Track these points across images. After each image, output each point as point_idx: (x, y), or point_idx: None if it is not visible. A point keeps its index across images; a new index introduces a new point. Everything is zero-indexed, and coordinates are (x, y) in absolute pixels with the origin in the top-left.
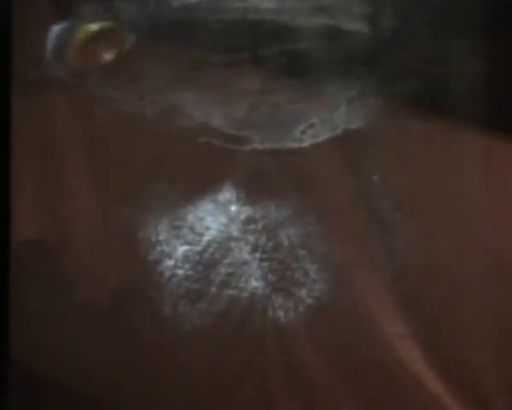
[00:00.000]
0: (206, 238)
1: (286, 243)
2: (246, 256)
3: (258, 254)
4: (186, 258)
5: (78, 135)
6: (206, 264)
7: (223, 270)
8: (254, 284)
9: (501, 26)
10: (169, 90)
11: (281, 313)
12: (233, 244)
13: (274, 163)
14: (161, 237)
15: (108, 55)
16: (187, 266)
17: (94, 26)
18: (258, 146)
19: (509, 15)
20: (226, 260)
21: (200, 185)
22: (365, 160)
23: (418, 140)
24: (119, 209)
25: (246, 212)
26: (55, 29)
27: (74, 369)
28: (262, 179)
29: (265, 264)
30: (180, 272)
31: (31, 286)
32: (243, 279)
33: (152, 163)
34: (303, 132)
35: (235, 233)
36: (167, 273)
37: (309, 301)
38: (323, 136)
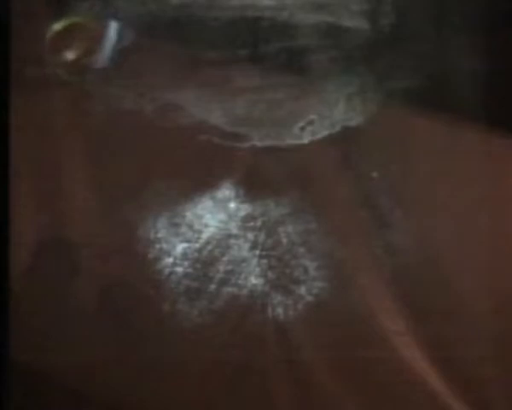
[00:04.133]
0: (205, 236)
1: (285, 240)
2: (245, 254)
3: (257, 252)
4: (185, 255)
5: (77, 132)
6: (205, 261)
7: (222, 267)
8: (254, 281)
9: (501, 22)
10: (168, 88)
11: (280, 311)
12: (232, 241)
13: (273, 160)
14: (160, 235)
15: (73, 53)
16: (186, 263)
17: (58, 25)
18: (257, 143)
19: (509, 12)
20: (225, 258)
21: (199, 182)
22: (364, 157)
23: (418, 137)
24: (118, 207)
25: (245, 209)
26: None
27: (74, 368)
28: (261, 176)
29: (265, 261)
30: (179, 269)
31: (30, 286)
32: (242, 277)
33: (151, 160)
34: (302, 129)
35: (235, 230)
36: (166, 271)
37: (308, 298)
38: (322, 133)
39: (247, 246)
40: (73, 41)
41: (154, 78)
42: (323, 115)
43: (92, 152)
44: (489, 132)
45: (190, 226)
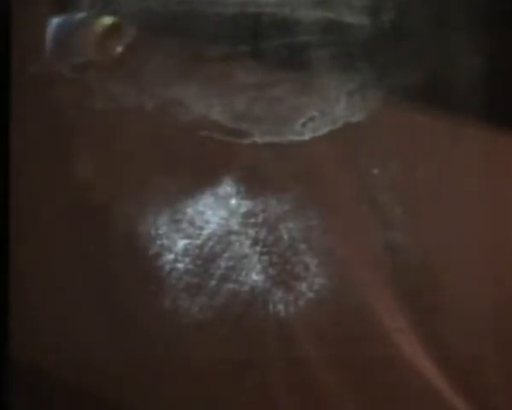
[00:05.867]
0: (206, 232)
1: (286, 236)
2: (246, 250)
3: (258, 248)
4: (186, 252)
5: (78, 129)
6: (206, 258)
7: (223, 264)
8: (254, 277)
9: (502, 19)
10: (169, 84)
11: (281, 307)
12: (233, 238)
13: (274, 156)
14: (161, 231)
15: (119, 49)
16: (187, 259)
17: (108, 20)
18: (258, 139)
19: (509, 9)
20: (226, 254)
21: (200, 179)
22: (365, 153)
23: (418, 134)
24: (119, 203)
25: (246, 205)
26: (57, 22)
27: (73, 366)
28: (262, 173)
29: (266, 258)
30: (180, 265)
31: (31, 285)
32: (243, 273)
33: (152, 157)
34: (303, 125)
35: (235, 227)
36: (167, 267)
37: (309, 294)
38: (324, 129)
39: (248, 242)
40: (117, 38)
41: (155, 74)
42: (324, 112)
43: (93, 149)
44: (491, 130)
45: (191, 223)
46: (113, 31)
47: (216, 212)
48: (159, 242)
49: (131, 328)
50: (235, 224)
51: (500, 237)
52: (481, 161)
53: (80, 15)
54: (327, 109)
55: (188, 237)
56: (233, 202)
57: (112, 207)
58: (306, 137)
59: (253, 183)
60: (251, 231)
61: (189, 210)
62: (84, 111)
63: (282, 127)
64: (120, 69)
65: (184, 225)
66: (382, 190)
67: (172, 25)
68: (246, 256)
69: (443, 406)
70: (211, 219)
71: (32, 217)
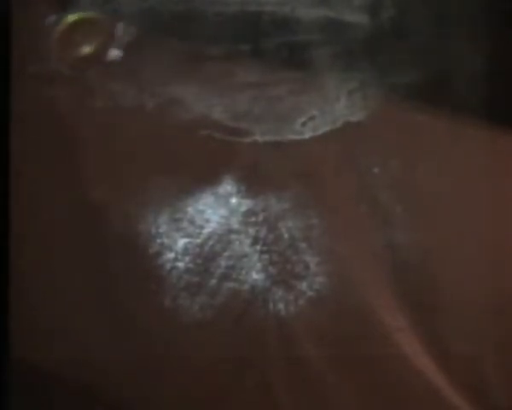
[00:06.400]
0: (207, 231)
1: (286, 235)
2: (246, 249)
3: (258, 247)
4: (186, 251)
5: (78, 129)
6: (206, 256)
7: (223, 263)
8: (255, 276)
9: (502, 19)
10: (169, 83)
11: (281, 306)
12: (233, 237)
13: (274, 155)
14: (161, 230)
15: (87, 47)
16: (187, 258)
17: (72, 17)
18: (258, 138)
19: (509, 9)
20: (226, 253)
21: (201, 178)
22: (366, 152)
23: (419, 133)
24: (119, 202)
25: (246, 204)
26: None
27: (74, 366)
28: (262, 172)
29: (266, 256)
30: (180, 264)
31: (31, 285)
32: (243, 272)
33: (152, 156)
34: (303, 125)
35: (236, 226)
36: (167, 266)
37: (310, 293)
38: (324, 128)
39: (248, 241)
40: (86, 35)
41: (156, 73)
42: (325, 111)
43: (93, 149)
44: (491, 130)
45: (192, 221)
46: (78, 27)
47: (216, 211)
48: (159, 241)
49: (131, 328)
50: (235, 223)
51: (500, 237)
52: (481, 160)
53: (53, 16)
54: (327, 108)
55: (188, 235)
56: (233, 200)
57: (112, 207)
58: (307, 136)
59: (254, 182)
60: (251, 230)
61: (190, 209)
62: (84, 111)
63: (283, 126)
64: (120, 68)
65: (185, 224)
66: (382, 189)
67: (172, 25)
68: (246, 255)
69: (443, 405)
70: (211, 218)
71: (32, 217)
